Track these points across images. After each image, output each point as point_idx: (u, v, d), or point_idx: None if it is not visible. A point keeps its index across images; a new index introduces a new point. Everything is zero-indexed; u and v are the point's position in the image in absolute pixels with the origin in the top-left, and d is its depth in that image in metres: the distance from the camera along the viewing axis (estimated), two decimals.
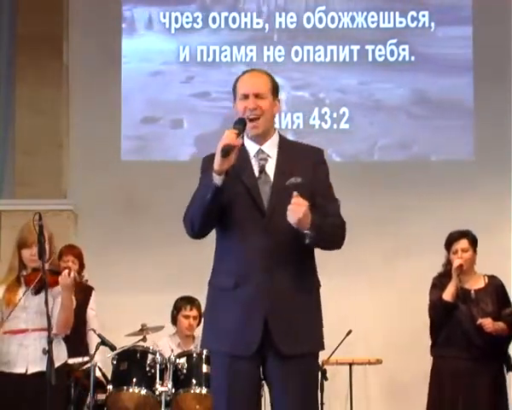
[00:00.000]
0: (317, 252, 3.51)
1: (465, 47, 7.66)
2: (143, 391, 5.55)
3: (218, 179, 3.30)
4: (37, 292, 4.62)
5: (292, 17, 7.73)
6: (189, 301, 6.28)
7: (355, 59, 7.67)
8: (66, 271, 4.64)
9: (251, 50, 7.71)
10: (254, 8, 7.77)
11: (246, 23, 7.75)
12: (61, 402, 4.85)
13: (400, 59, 7.68)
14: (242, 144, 3.46)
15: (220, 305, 3.44)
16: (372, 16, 7.71)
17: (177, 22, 7.75)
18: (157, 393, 5.54)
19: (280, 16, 7.75)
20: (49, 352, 4.25)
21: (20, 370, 4.62)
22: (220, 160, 3.28)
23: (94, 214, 7.43)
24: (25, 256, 4.73)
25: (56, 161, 7.56)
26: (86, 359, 5.69)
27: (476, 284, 5.51)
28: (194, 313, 6.23)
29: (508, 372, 5.54)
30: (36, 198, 7.06)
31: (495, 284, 5.53)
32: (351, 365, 6.67)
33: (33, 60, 7.49)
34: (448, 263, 5.52)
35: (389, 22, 7.71)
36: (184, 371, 5.59)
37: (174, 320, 6.32)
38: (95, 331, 5.87)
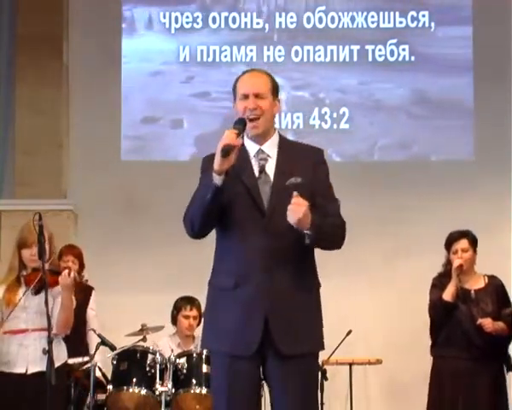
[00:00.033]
0: (317, 252, 3.51)
1: (465, 47, 7.66)
2: (143, 391, 5.55)
3: (217, 179, 3.30)
4: (37, 292, 4.62)
5: (292, 17, 7.73)
6: (189, 301, 6.28)
7: (355, 59, 7.67)
8: (67, 271, 4.64)
9: (251, 50, 7.71)
10: (254, 8, 7.77)
11: (246, 23, 7.75)
12: (61, 402, 4.85)
13: (400, 59, 7.68)
14: (242, 144, 3.46)
15: (220, 305, 3.44)
16: (372, 16, 7.71)
17: (177, 22, 7.75)
18: (157, 393, 5.54)
19: (280, 16, 7.75)
20: (49, 352, 4.25)
21: (20, 370, 4.62)
22: (220, 160, 3.28)
23: (94, 214, 7.43)
24: (25, 256, 4.73)
25: (56, 161, 7.56)
26: (86, 359, 5.69)
27: (476, 284, 5.51)
28: (195, 313, 6.23)
29: (508, 372, 5.54)
30: (36, 198, 7.05)
31: (495, 284, 5.53)
32: (351, 365, 6.67)
33: (33, 60, 7.49)
34: (448, 263, 5.52)
35: (389, 22, 7.71)
36: (184, 371, 5.59)
37: (174, 320, 6.32)
38: (95, 331, 5.87)
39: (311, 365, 3.51)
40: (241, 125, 3.40)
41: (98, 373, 5.76)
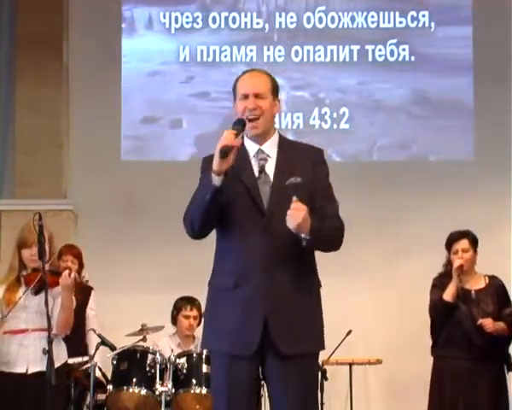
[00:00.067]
0: (317, 252, 3.51)
1: (465, 47, 7.66)
2: (143, 391, 5.55)
3: (216, 180, 3.30)
4: (37, 292, 4.62)
5: (292, 17, 7.73)
6: (189, 301, 6.28)
7: (355, 59, 7.67)
8: (67, 271, 4.64)
9: (251, 50, 7.71)
10: (254, 8, 7.77)
11: (246, 23, 7.75)
12: (61, 402, 4.85)
13: (400, 59, 7.68)
14: (242, 144, 3.47)
15: (220, 305, 3.44)
16: (372, 16, 7.71)
17: (177, 22, 7.75)
18: (157, 393, 5.54)
19: (280, 16, 7.75)
20: (49, 352, 4.25)
21: (20, 370, 4.63)
22: (219, 160, 3.28)
23: (94, 214, 7.43)
24: (25, 256, 4.73)
25: (56, 161, 7.56)
26: (86, 359, 5.68)
27: (477, 284, 5.51)
28: (195, 313, 6.23)
29: (508, 372, 5.54)
30: (36, 198, 7.05)
31: (495, 284, 5.52)
32: (351, 365, 6.67)
33: (33, 60, 7.49)
34: (448, 263, 5.52)
35: (389, 22, 7.71)
36: (184, 371, 5.59)
37: (174, 320, 6.32)
38: (95, 331, 5.87)
39: (310, 365, 3.50)
40: (239, 125, 3.40)
41: (98, 373, 5.76)
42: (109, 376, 5.70)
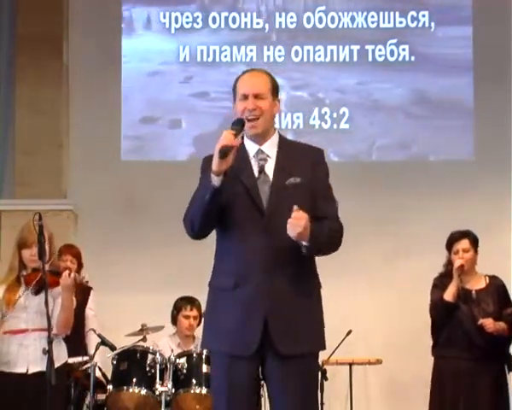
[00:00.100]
0: None
1: (465, 47, 7.66)
2: (143, 391, 5.55)
3: (216, 180, 3.30)
4: (37, 292, 4.62)
5: (292, 17, 7.73)
6: (189, 301, 6.28)
7: (355, 59, 7.66)
8: (67, 271, 4.64)
9: (251, 50, 7.70)
10: (254, 8, 7.76)
11: (246, 23, 7.75)
12: (61, 402, 4.85)
13: (400, 59, 7.68)
14: (242, 144, 3.47)
15: (220, 305, 3.44)
16: (372, 16, 7.71)
17: (177, 22, 7.75)
18: (157, 393, 5.54)
19: (280, 16, 7.74)
20: (49, 352, 4.25)
21: (20, 370, 4.63)
22: (218, 161, 3.28)
23: (94, 214, 7.43)
24: (25, 256, 4.73)
25: (56, 161, 7.56)
26: (86, 358, 5.68)
27: (477, 284, 5.51)
28: (195, 313, 6.23)
29: (509, 372, 5.54)
30: (36, 198, 7.05)
31: (496, 285, 5.52)
32: (351, 365, 6.67)
33: (33, 60, 7.49)
34: (449, 263, 5.52)
35: (389, 22, 7.71)
36: (184, 371, 5.59)
37: (174, 320, 6.31)
38: (95, 331, 5.87)
39: (310, 365, 3.50)
40: (238, 125, 3.39)
41: (98, 373, 5.76)
42: (109, 376, 5.70)
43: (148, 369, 5.59)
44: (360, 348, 6.91)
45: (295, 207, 3.29)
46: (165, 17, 7.76)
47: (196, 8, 7.77)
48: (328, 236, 3.42)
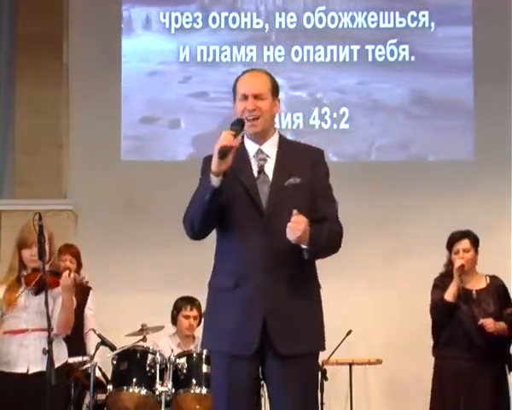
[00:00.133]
0: None
1: (465, 47, 7.65)
2: (143, 391, 5.55)
3: (215, 181, 3.30)
4: (37, 292, 4.62)
5: (292, 17, 7.73)
6: (189, 301, 6.28)
7: (355, 59, 7.66)
8: (67, 272, 4.64)
9: (251, 50, 7.70)
10: (253, 8, 7.76)
11: (246, 23, 7.74)
12: (61, 402, 4.85)
13: (400, 59, 7.68)
14: (242, 144, 3.47)
15: (220, 305, 3.43)
16: (372, 16, 7.71)
17: (177, 22, 7.75)
18: (157, 393, 5.54)
19: (280, 16, 7.74)
20: (49, 352, 4.25)
21: (20, 370, 4.63)
22: (217, 161, 3.28)
23: (94, 214, 7.43)
24: (25, 256, 4.73)
25: (56, 161, 7.56)
26: (85, 358, 5.68)
27: (478, 284, 5.51)
28: (195, 313, 6.23)
29: (510, 373, 5.54)
30: (36, 198, 7.06)
31: (496, 285, 5.52)
32: (351, 365, 6.67)
33: (33, 60, 7.49)
34: (449, 263, 5.51)
35: (389, 22, 7.71)
36: (184, 371, 5.59)
37: (174, 320, 6.31)
38: (95, 331, 5.87)
39: (310, 365, 3.49)
40: (238, 125, 3.39)
41: (98, 373, 5.76)
42: (109, 376, 5.70)
43: (148, 369, 5.59)
44: (360, 348, 6.91)
45: (295, 211, 3.28)
46: (165, 17, 7.76)
47: (196, 8, 7.76)
48: (327, 239, 3.42)
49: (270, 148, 3.51)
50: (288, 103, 7.50)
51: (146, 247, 7.27)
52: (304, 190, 3.42)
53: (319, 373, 5.79)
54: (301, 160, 3.50)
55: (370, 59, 7.66)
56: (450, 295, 5.38)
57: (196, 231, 3.44)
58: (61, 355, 4.71)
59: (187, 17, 7.75)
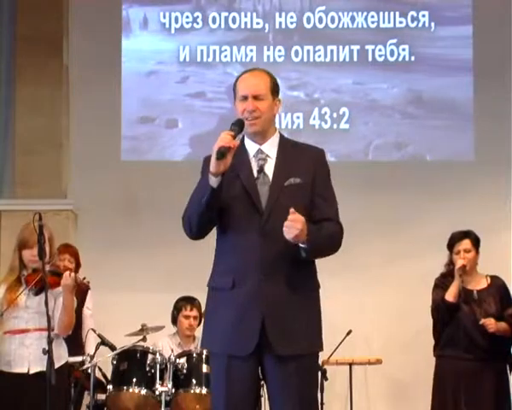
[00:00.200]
0: None
1: (465, 47, 7.65)
2: (143, 391, 5.55)
3: (214, 181, 3.29)
4: (37, 292, 4.62)
5: (292, 17, 7.73)
6: (189, 301, 6.28)
7: (355, 59, 7.66)
8: (68, 272, 4.65)
9: (251, 50, 7.70)
10: (254, 8, 7.75)
11: (246, 23, 7.74)
12: (62, 402, 4.84)
13: (400, 59, 7.68)
14: (242, 143, 3.46)
15: (219, 305, 3.43)
16: (372, 16, 7.70)
17: (176, 22, 7.74)
18: (157, 393, 5.54)
19: (280, 16, 7.74)
20: (49, 352, 4.24)
21: (21, 370, 4.63)
22: (215, 162, 3.27)
23: (93, 214, 7.42)
24: (25, 257, 4.73)
25: (56, 161, 7.56)
26: (84, 358, 5.67)
27: (479, 284, 5.51)
28: (195, 313, 6.24)
29: (511, 373, 5.54)
30: (36, 198, 7.06)
31: (497, 285, 5.52)
32: (351, 365, 6.66)
33: (33, 60, 7.48)
34: (450, 263, 5.52)
35: (389, 22, 7.71)
36: (184, 371, 5.59)
37: (174, 320, 6.32)
38: (95, 331, 5.87)
39: (309, 365, 3.48)
40: (237, 126, 3.38)
41: (98, 373, 5.75)
42: (109, 376, 5.70)
43: (148, 369, 5.59)
44: (360, 348, 6.91)
45: (291, 209, 3.28)
46: (164, 17, 7.75)
47: (196, 8, 7.75)
48: (326, 238, 3.41)
49: (271, 148, 3.50)
50: (287, 103, 7.48)
51: (146, 247, 7.27)
52: (304, 191, 3.42)
53: (319, 373, 5.79)
54: (302, 160, 3.49)
55: (370, 59, 7.66)
56: (451, 295, 5.38)
57: (195, 231, 3.44)
58: (62, 355, 4.71)
59: (187, 17, 7.74)
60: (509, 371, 5.51)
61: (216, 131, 3.36)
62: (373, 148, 7.63)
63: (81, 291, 5.91)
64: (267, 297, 3.35)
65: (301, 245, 3.32)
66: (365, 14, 7.70)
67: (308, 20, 7.71)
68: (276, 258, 3.36)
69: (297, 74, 7.66)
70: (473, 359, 5.35)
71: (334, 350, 6.25)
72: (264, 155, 3.49)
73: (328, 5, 7.73)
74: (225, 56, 7.68)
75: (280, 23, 7.73)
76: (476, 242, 5.50)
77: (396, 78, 7.67)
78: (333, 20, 7.71)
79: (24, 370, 4.63)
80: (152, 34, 7.76)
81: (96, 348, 5.67)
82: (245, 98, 3.44)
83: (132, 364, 5.63)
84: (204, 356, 5.58)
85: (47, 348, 4.25)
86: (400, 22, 7.71)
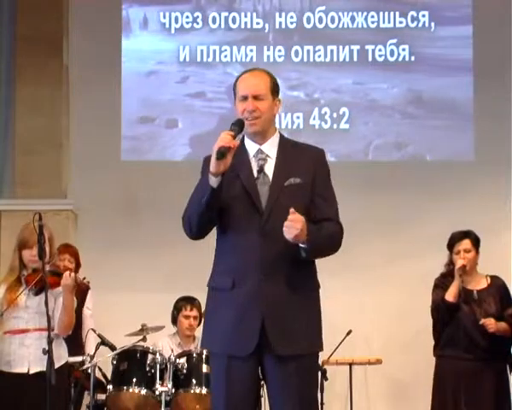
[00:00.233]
0: None
1: (465, 47, 7.65)
2: (143, 391, 5.55)
3: (213, 181, 3.29)
4: (37, 292, 4.63)
5: (292, 17, 7.73)
6: (189, 301, 6.28)
7: (355, 59, 7.66)
8: (68, 272, 4.65)
9: (251, 50, 7.70)
10: (254, 8, 7.75)
11: (246, 23, 7.74)
12: (62, 402, 4.84)
13: (400, 59, 7.68)
14: (242, 143, 3.46)
15: (218, 305, 3.43)
16: (372, 16, 7.70)
17: (176, 22, 7.74)
18: (157, 393, 5.54)
19: (280, 16, 7.74)
20: (49, 352, 4.24)
21: (21, 370, 4.63)
22: (215, 162, 3.27)
23: (93, 214, 7.42)
24: (25, 257, 4.74)
25: (56, 161, 7.56)
26: (84, 358, 5.67)
27: (479, 284, 5.51)
28: (195, 313, 6.24)
29: (511, 372, 5.54)
30: (36, 198, 7.06)
31: (497, 285, 5.52)
32: (351, 365, 6.66)
33: (33, 60, 7.49)
34: (450, 263, 5.52)
35: (389, 22, 7.71)
36: (184, 371, 5.59)
37: (174, 320, 6.32)
38: (95, 331, 5.87)
39: (309, 365, 3.48)
40: (237, 126, 3.38)
41: (98, 373, 5.75)
42: (109, 376, 5.70)
43: (148, 369, 5.59)
44: (360, 348, 6.91)
45: (291, 209, 3.27)
46: (164, 17, 7.75)
47: (196, 8, 7.76)
48: (326, 238, 3.41)
49: (271, 148, 3.50)
50: (287, 103, 7.48)
51: (146, 247, 7.27)
52: (304, 191, 3.42)
53: (319, 373, 5.79)
54: (302, 160, 3.49)
55: (370, 59, 7.66)
56: (451, 295, 5.38)
57: (195, 231, 3.44)
58: (62, 355, 4.71)
59: (187, 17, 7.74)
60: (509, 371, 5.51)
61: (216, 131, 3.35)
62: (373, 148, 7.63)
63: (81, 291, 5.91)
64: (267, 297, 3.35)
65: (301, 245, 3.32)
66: (365, 14, 7.70)
67: (308, 20, 7.71)
68: (276, 258, 3.36)
69: (297, 74, 7.66)
70: (473, 359, 5.35)
71: (334, 350, 6.25)
72: (264, 155, 3.49)
73: (328, 5, 7.73)
74: (225, 56, 7.68)
75: (280, 23, 7.73)
76: (476, 242, 5.50)
77: (396, 78, 7.67)
78: (333, 20, 7.71)
79: (24, 370, 4.63)
80: (152, 34, 7.77)
81: (96, 348, 5.67)
82: (245, 98, 3.44)
83: (132, 364, 5.63)
84: (204, 356, 5.58)
85: (47, 348, 4.25)
86: (400, 22, 7.71)
